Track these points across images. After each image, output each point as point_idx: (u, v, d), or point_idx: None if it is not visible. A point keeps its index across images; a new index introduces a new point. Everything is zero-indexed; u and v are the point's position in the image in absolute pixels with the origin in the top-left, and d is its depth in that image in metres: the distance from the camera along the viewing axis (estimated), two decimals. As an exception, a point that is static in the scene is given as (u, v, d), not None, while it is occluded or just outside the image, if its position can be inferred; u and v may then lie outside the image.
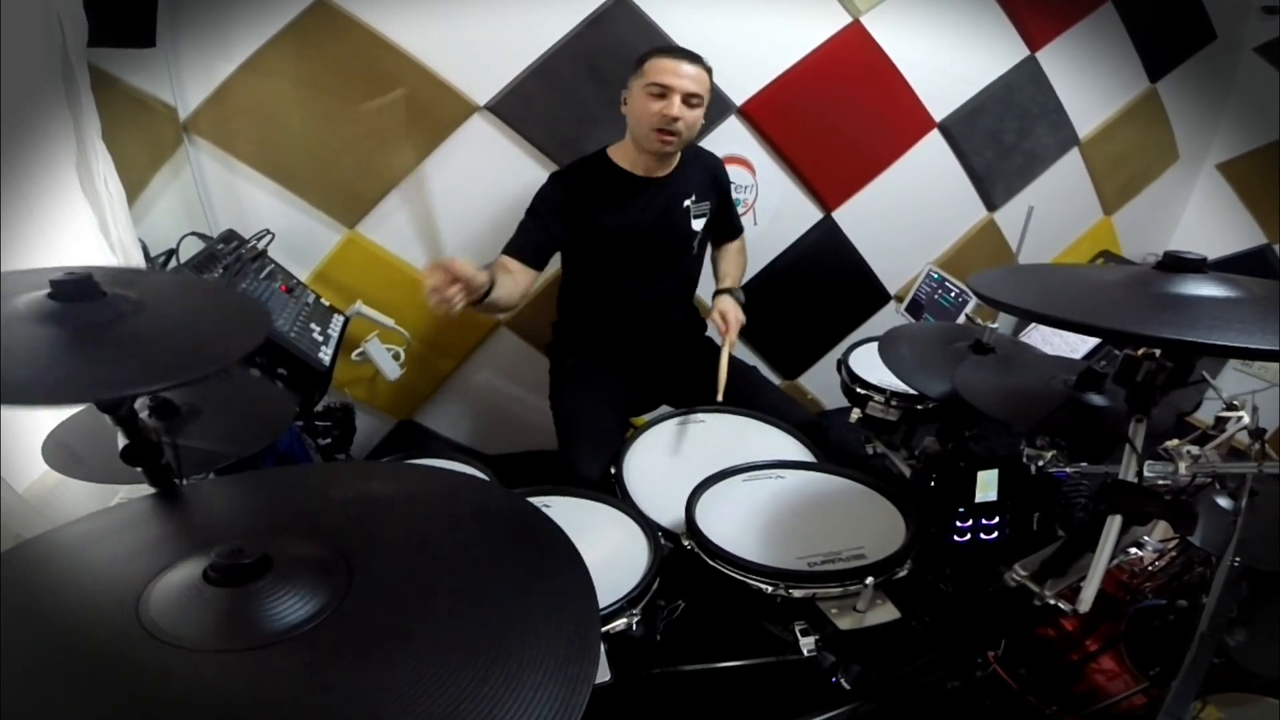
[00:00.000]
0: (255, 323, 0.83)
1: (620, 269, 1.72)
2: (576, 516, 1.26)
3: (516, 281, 1.59)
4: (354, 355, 1.91)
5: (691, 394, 1.71)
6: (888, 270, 2.52)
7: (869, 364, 1.69)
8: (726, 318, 1.74)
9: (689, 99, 1.56)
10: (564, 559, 0.67)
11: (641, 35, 1.91)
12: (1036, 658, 1.21)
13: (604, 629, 1.00)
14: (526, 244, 1.64)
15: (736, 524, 1.22)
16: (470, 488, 0.87)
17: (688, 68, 1.55)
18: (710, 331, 1.97)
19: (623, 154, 1.68)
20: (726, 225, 1.91)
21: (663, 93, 1.54)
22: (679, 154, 1.72)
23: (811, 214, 2.35)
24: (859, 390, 1.66)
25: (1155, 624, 1.15)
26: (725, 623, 1.21)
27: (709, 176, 1.80)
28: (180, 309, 0.82)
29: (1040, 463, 1.17)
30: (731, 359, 1.85)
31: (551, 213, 1.64)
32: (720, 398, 1.60)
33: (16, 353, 0.65)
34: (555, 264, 1.81)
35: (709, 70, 1.61)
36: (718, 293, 1.86)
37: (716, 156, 1.87)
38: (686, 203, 1.74)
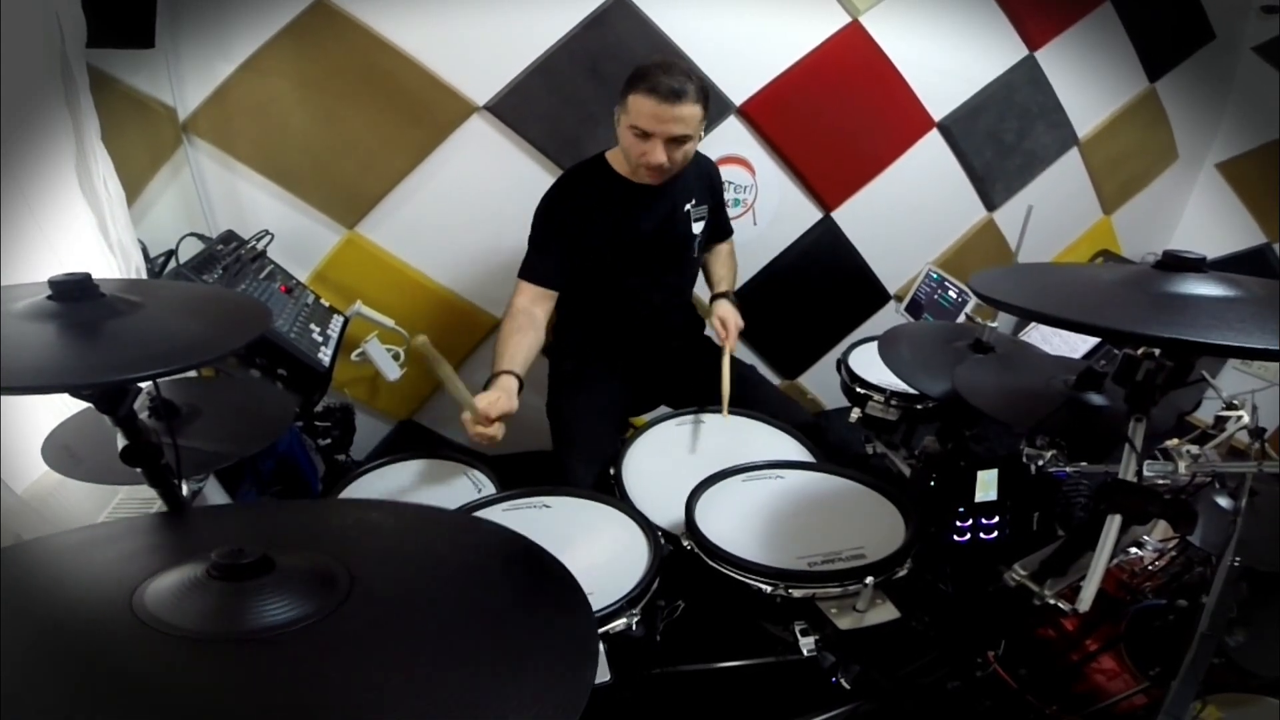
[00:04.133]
0: (253, 318, 0.84)
1: (622, 274, 1.72)
2: (576, 517, 1.26)
3: (538, 321, 1.60)
4: (354, 355, 1.91)
5: (691, 395, 1.71)
6: (887, 270, 2.52)
7: (869, 363, 1.68)
8: (727, 324, 1.74)
9: (674, 139, 1.47)
10: (561, 585, 0.68)
11: (641, 35, 1.92)
12: (1036, 658, 1.21)
13: (604, 629, 1.00)
14: (539, 270, 1.62)
15: (736, 524, 1.22)
16: (466, 521, 0.91)
17: (673, 110, 1.42)
18: (709, 332, 1.97)
19: (621, 160, 1.64)
20: (719, 228, 1.90)
21: (645, 135, 1.47)
22: None
23: (811, 214, 2.35)
24: (859, 390, 1.66)
25: (1155, 624, 1.15)
26: (725, 623, 1.21)
27: (705, 180, 1.79)
28: (178, 307, 0.82)
29: (1040, 462, 1.17)
30: (732, 360, 1.84)
31: (556, 232, 1.63)
32: (726, 410, 1.59)
33: (13, 345, 0.65)
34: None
35: (702, 94, 1.48)
36: (715, 298, 1.86)
37: (711, 160, 1.85)
38: (687, 206, 1.73)
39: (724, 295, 1.84)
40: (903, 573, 1.13)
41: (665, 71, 1.44)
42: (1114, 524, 0.90)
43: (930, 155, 2.35)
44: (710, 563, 1.13)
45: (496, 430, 1.36)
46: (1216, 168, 2.67)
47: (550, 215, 1.64)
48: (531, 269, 1.63)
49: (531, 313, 1.60)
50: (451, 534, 0.80)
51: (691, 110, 1.45)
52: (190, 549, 0.66)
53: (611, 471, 1.42)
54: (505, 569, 0.74)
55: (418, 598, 0.64)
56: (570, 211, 1.62)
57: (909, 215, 2.42)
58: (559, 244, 1.63)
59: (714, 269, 1.92)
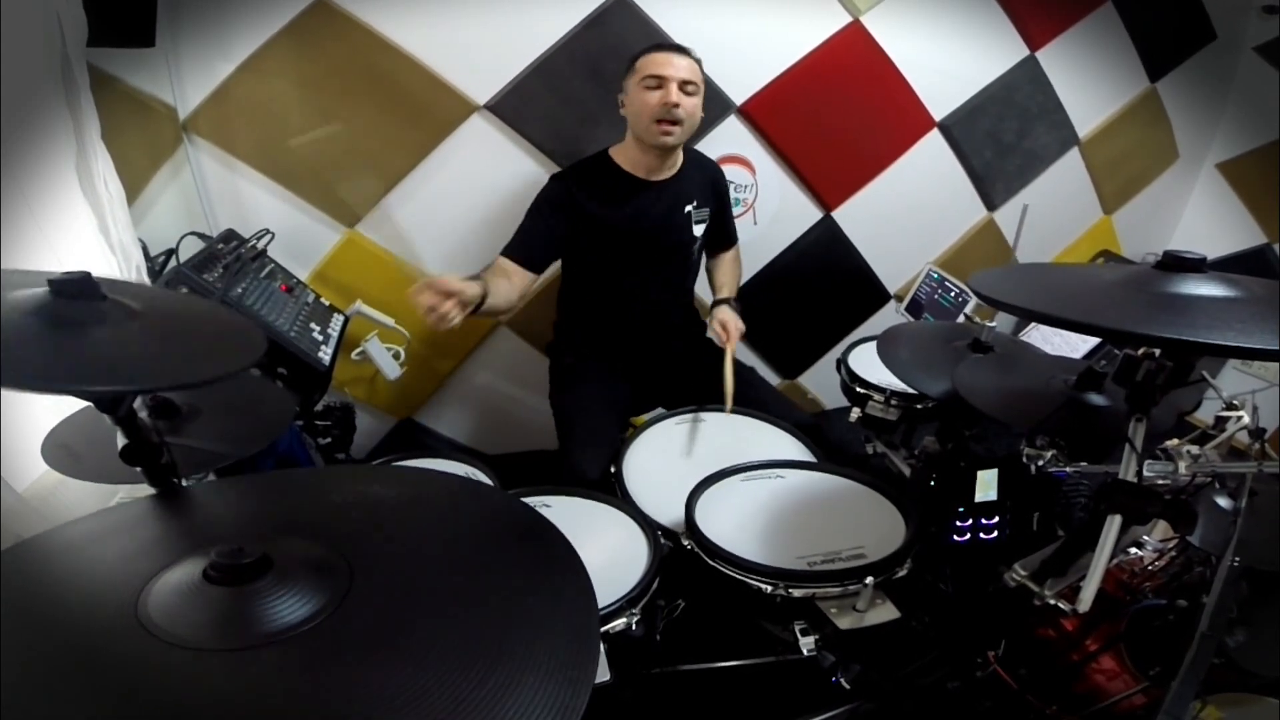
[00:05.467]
0: (245, 347, 0.83)
1: (621, 270, 1.73)
2: (576, 516, 1.26)
3: (513, 284, 1.60)
4: (354, 355, 1.91)
5: (691, 395, 1.71)
6: (887, 270, 2.52)
7: (869, 363, 1.68)
8: (727, 327, 1.75)
9: (684, 86, 1.59)
10: (564, 561, 0.67)
11: (641, 35, 1.91)
12: (1036, 658, 1.21)
13: (604, 629, 1.00)
14: (526, 246, 1.64)
15: (736, 524, 1.22)
16: (470, 492, 0.88)
17: (679, 59, 1.59)
18: (710, 334, 1.97)
19: (624, 155, 1.68)
20: (722, 234, 1.91)
21: (659, 84, 1.57)
22: (680, 157, 1.72)
23: (811, 214, 2.35)
24: (859, 389, 1.66)
25: (1155, 624, 1.15)
26: (725, 623, 1.21)
27: (709, 183, 1.80)
28: (176, 321, 0.82)
29: (1040, 462, 1.17)
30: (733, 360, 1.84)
31: (554, 212, 1.65)
32: (730, 407, 1.61)
33: (11, 339, 0.65)
34: (555, 263, 1.81)
35: (699, 61, 1.64)
36: (716, 303, 1.86)
37: (716, 164, 1.88)
38: (688, 208, 1.74)
39: (725, 302, 1.85)
40: (903, 573, 1.13)
41: (663, 41, 1.66)
42: (1114, 524, 0.90)
43: (931, 155, 2.35)
44: (710, 562, 1.13)
45: (437, 302, 1.25)
46: (1217, 168, 2.66)
47: (551, 201, 1.66)
48: (516, 246, 1.64)
49: (509, 276, 1.61)
50: (451, 503, 0.79)
51: (693, 64, 1.63)
52: (190, 539, 0.66)
53: (612, 470, 1.42)
54: (508, 543, 0.73)
55: (419, 586, 0.63)
56: (572, 201, 1.64)
57: (909, 215, 2.42)
58: (551, 230, 1.65)
59: (716, 276, 1.94)
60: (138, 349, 0.72)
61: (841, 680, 1.11)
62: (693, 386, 1.77)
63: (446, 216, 2.03)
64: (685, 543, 1.19)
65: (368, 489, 0.79)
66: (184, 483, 0.85)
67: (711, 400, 1.65)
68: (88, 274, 0.73)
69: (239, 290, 1.47)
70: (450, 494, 0.82)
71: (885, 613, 1.08)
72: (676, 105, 1.57)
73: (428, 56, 1.84)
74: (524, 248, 1.64)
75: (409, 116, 1.89)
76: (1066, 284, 0.99)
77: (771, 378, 2.58)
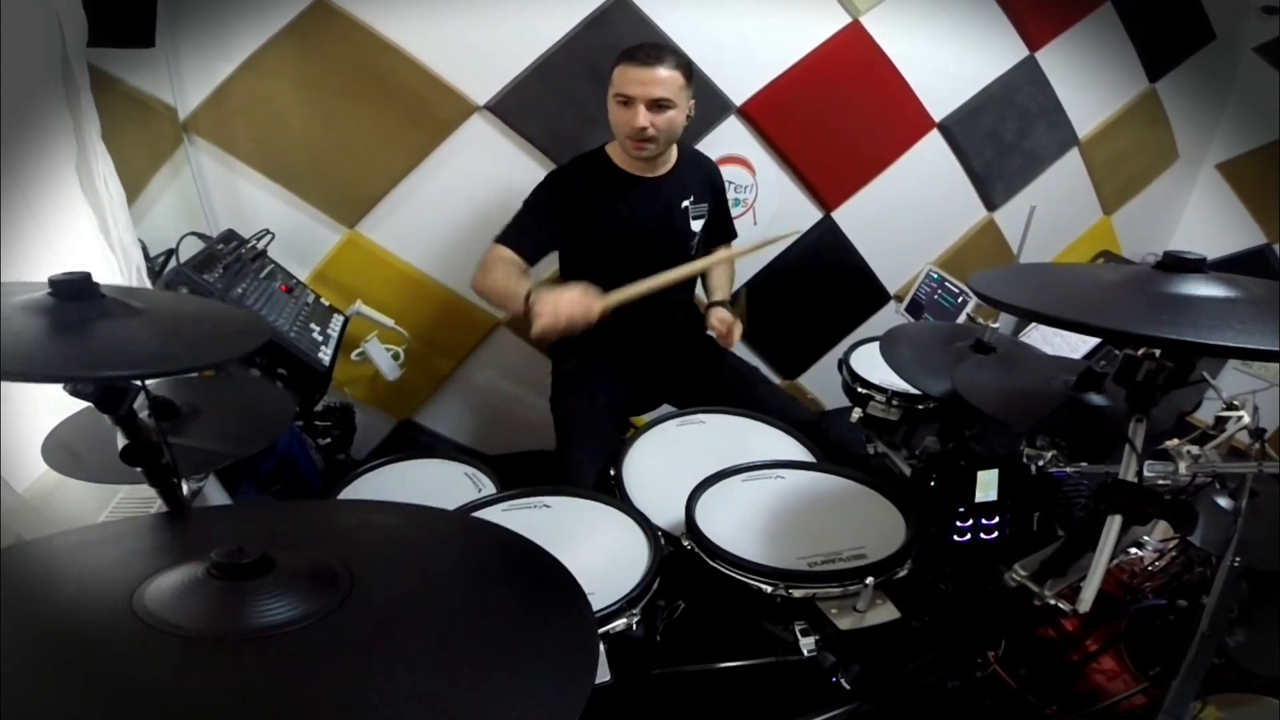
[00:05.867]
0: (250, 331, 0.84)
1: (619, 268, 1.72)
2: (576, 517, 1.26)
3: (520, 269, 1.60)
4: (354, 355, 1.91)
5: (692, 394, 1.71)
6: (888, 270, 2.52)
7: (870, 363, 1.68)
8: (726, 322, 1.74)
9: (656, 104, 1.53)
10: (563, 585, 0.68)
11: (641, 35, 1.91)
12: (1036, 658, 1.21)
13: (604, 629, 0.99)
14: (522, 238, 1.63)
15: (736, 524, 1.22)
16: (471, 525, 0.92)
17: (652, 73, 1.51)
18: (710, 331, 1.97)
19: (619, 152, 1.68)
20: (720, 230, 1.91)
21: (628, 102, 1.53)
22: (675, 154, 1.72)
23: (811, 214, 2.35)
24: (860, 390, 1.66)
25: (1155, 624, 1.15)
26: (725, 623, 1.21)
27: (705, 179, 1.80)
28: (176, 315, 0.83)
29: (1040, 463, 1.17)
30: (734, 360, 1.85)
31: (547, 213, 1.64)
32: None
33: (10, 334, 0.66)
34: (554, 262, 1.81)
35: (683, 65, 1.56)
36: (711, 305, 1.85)
37: (712, 161, 1.87)
38: (685, 203, 1.74)
39: (720, 304, 1.83)
40: (903, 573, 1.13)
41: (643, 45, 1.56)
42: (1114, 524, 0.90)
43: (930, 155, 2.35)
44: (710, 563, 1.13)
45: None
46: (1216, 168, 2.67)
47: (549, 193, 1.65)
48: (513, 236, 1.62)
49: (511, 266, 1.59)
50: (455, 535, 0.80)
51: (669, 74, 1.52)
52: (191, 549, 0.66)
53: (612, 471, 1.42)
54: (507, 570, 0.74)
55: (419, 599, 0.64)
56: (570, 195, 1.64)
57: (909, 215, 2.42)
58: (548, 223, 1.64)
59: (710, 277, 1.92)
60: (144, 338, 0.73)
61: (842, 680, 1.11)
62: (694, 386, 1.77)
63: (446, 216, 2.03)
64: (685, 543, 1.19)
65: (369, 517, 0.81)
66: (184, 483, 0.86)
67: (713, 400, 1.65)
68: (88, 274, 0.73)
69: (239, 291, 1.47)
70: (451, 526, 0.85)
71: (885, 613, 1.07)
72: (644, 128, 1.53)
73: (428, 57, 1.84)
74: (518, 239, 1.62)
75: (409, 116, 1.89)
76: (1067, 284, 0.99)
77: (771, 378, 2.58)
